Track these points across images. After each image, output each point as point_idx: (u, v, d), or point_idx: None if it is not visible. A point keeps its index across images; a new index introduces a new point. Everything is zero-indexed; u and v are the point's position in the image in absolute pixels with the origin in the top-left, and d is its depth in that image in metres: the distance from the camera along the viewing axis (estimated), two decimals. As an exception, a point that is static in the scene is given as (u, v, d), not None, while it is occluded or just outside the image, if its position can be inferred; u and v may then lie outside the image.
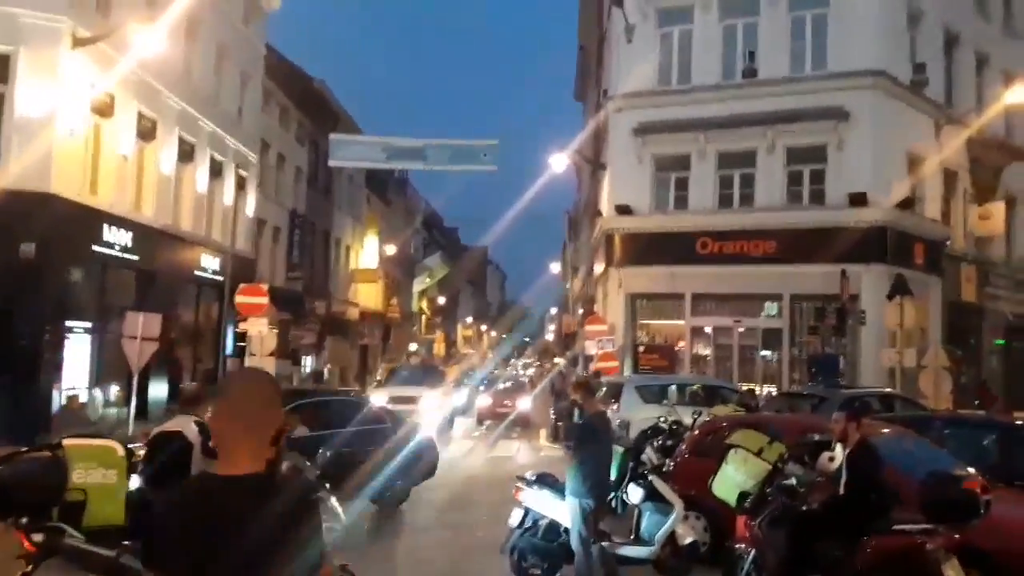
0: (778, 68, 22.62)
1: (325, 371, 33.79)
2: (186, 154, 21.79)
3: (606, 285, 25.49)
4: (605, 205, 25.40)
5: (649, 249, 23.25)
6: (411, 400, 20.78)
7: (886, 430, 7.97)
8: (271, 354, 19.01)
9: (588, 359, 24.37)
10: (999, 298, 25.76)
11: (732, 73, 23.27)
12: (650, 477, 7.29)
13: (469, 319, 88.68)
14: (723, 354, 23.14)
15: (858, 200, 21.16)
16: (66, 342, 16.72)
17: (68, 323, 16.88)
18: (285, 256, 30.72)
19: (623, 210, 23.81)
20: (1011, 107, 24.25)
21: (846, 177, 21.48)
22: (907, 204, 22.08)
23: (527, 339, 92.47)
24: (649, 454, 7.79)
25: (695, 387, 16.31)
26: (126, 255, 18.49)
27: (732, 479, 6.61)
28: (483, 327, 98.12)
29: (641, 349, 23.40)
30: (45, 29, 15.94)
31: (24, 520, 4.44)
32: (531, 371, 58.50)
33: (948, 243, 23.81)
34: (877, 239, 21.07)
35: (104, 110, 17.72)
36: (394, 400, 20.17)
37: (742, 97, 22.87)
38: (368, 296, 43.02)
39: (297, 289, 31.09)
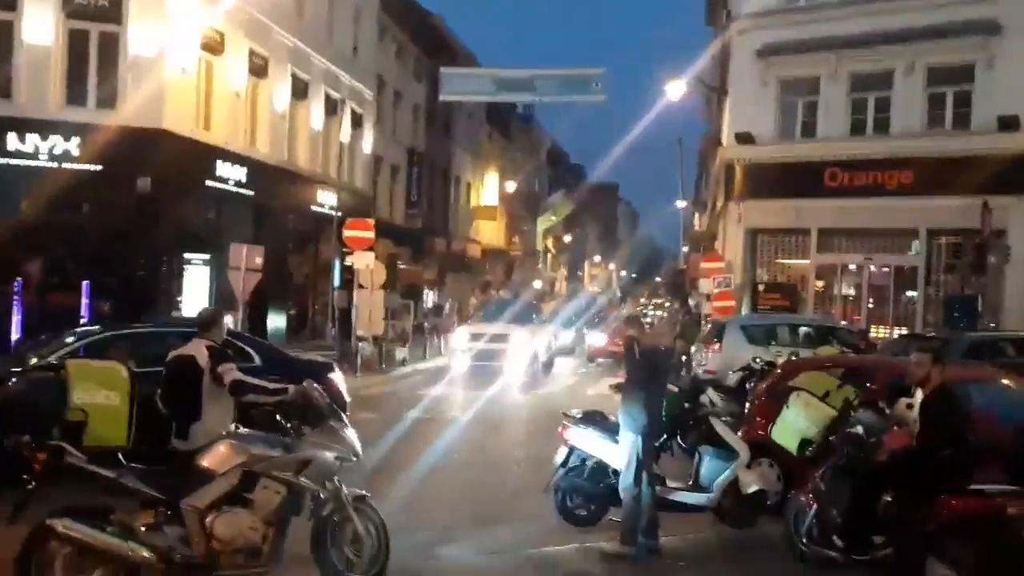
0: (920, -22, 20.40)
1: (446, 306, 34.22)
2: (300, 91, 22.12)
3: (726, 220, 24.29)
4: (725, 134, 24.03)
5: (772, 181, 21.84)
6: (498, 339, 18.98)
7: (986, 377, 7.02)
8: (382, 287, 19.31)
9: (706, 297, 23.43)
10: None
11: (868, -14, 21.22)
12: (711, 420, 6.72)
13: (597, 257, 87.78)
14: (850, 294, 21.66)
15: (1009, 124, 18.98)
16: (184, 274, 17.45)
17: (186, 255, 17.59)
18: (404, 194, 31.03)
19: (744, 138, 22.40)
20: None
21: (996, 99, 19.26)
22: (1068, 129, 19.63)
23: (659, 279, 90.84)
24: (711, 395, 7.15)
25: (806, 328, 15.20)
26: (241, 190, 19.06)
27: (793, 425, 5.98)
28: (611, 265, 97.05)
29: (761, 288, 22.20)
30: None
31: (26, 438, 4.47)
32: (657, 311, 57.42)
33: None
34: (1029, 168, 18.87)
35: (214, 47, 18.14)
36: (475, 337, 19.14)
37: (878, 12, 20.85)
38: (489, 233, 43.13)
39: (416, 226, 31.43)
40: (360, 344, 18.39)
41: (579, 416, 6.77)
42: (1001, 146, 18.97)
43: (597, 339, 25.51)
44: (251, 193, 19.38)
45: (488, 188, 42.86)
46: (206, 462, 4.97)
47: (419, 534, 6.54)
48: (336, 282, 18.74)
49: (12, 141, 15.70)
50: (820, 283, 21.93)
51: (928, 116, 20.39)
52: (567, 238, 66.73)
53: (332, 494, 5.19)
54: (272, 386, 5.27)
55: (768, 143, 22.14)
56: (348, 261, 18.60)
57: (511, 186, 44.24)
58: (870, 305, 21.38)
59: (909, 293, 20.94)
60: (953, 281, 19.83)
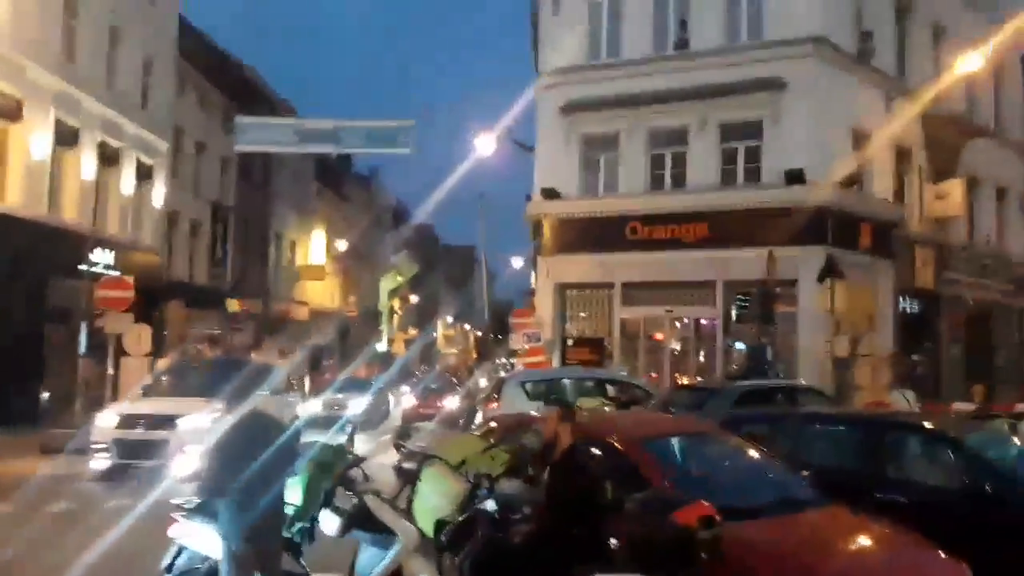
0: (712, 38, 20.90)
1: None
2: (67, 138, 20.12)
3: (537, 275, 23.80)
4: (535, 189, 23.69)
5: (578, 236, 21.59)
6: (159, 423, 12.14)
7: (695, 430, 6.24)
8: (147, 354, 17.37)
9: (512, 354, 22.70)
10: (959, 283, 23.98)
11: (664, 45, 21.60)
12: (365, 499, 5.48)
13: (450, 318, 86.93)
14: (654, 346, 21.44)
15: (795, 178, 19.41)
16: None
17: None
18: (208, 252, 29.02)
19: (550, 194, 22.12)
20: (972, 79, 22.63)
21: (783, 154, 19.74)
22: (851, 182, 20.37)
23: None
24: (358, 471, 5.85)
25: (588, 382, 14.54)
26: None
27: (426, 501, 4.92)
28: (467, 326, 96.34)
29: (570, 343, 21.67)
30: None
31: None
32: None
33: (900, 225, 22.02)
34: (816, 220, 19.28)
35: (11, 115, 16.12)
36: (127, 423, 12.26)
37: (674, 70, 21.18)
38: (320, 294, 41.34)
39: (222, 287, 29.40)
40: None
41: (196, 503, 5.35)
42: (789, 199, 19.34)
43: (409, 401, 24.21)
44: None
45: (316, 247, 41.19)
46: None
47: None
48: (82, 349, 16.63)
49: None
50: (626, 337, 21.60)
51: (722, 171, 20.67)
52: (414, 298, 65.49)
53: None
54: None
55: (573, 198, 21.93)
56: (98, 324, 16.59)
57: (343, 245, 42.73)
58: (676, 356, 21.23)
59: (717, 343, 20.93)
60: (746, 331, 19.88)
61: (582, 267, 21.52)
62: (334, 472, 5.42)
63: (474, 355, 68.46)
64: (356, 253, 47.58)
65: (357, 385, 22.76)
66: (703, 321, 21.03)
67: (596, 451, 5.39)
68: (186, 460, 10.71)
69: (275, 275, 35.74)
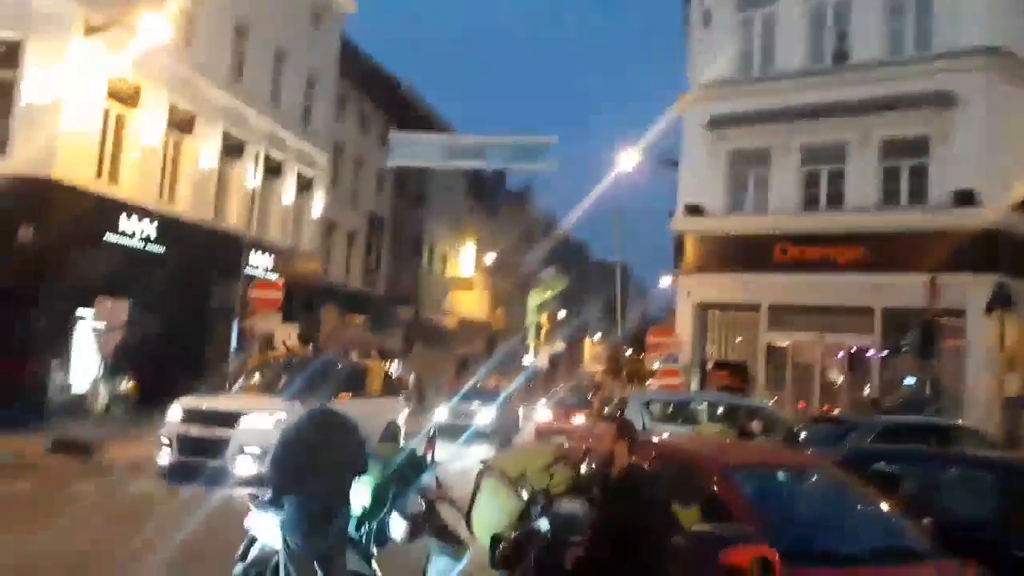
0: (873, 50, 19.63)
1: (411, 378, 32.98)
2: (234, 150, 21.51)
3: (678, 294, 23.11)
4: (678, 206, 23.08)
5: (722, 254, 20.83)
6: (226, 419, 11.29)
7: (755, 457, 5.71)
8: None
9: (650, 374, 22.11)
10: None
11: (820, 57, 20.51)
12: (436, 506, 5.35)
13: (598, 335, 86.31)
14: (803, 374, 20.25)
15: (964, 198, 17.86)
16: (74, 330, 16.46)
17: (79, 311, 16.61)
18: (362, 260, 30.21)
19: (693, 210, 21.46)
20: None
21: (952, 173, 18.19)
22: (1028, 204, 18.47)
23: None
24: (431, 477, 5.70)
25: (719, 408, 13.83)
26: (150, 246, 18.22)
27: (484, 514, 4.73)
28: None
29: (710, 366, 20.86)
30: (54, 15, 15.87)
31: None
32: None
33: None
34: (986, 245, 17.64)
35: (126, 99, 17.58)
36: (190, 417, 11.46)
37: (832, 84, 20.01)
38: (469, 305, 42.11)
39: (376, 293, 30.49)
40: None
41: (268, 497, 5.39)
42: (957, 221, 17.82)
43: (544, 415, 24.03)
44: (160, 249, 18.52)
45: (466, 259, 42.04)
46: None
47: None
48: (233, 345, 17.71)
49: None
50: (772, 362, 20.54)
51: (883, 190, 19.31)
52: (561, 314, 65.53)
53: None
54: None
55: (718, 215, 21.16)
56: (248, 323, 17.55)
57: (489, 258, 43.38)
58: (828, 385, 19.97)
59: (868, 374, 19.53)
60: (906, 363, 18.38)
61: (725, 287, 20.69)
62: (405, 476, 5.34)
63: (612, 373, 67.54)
64: (505, 267, 48.18)
65: (485, 395, 22.53)
66: (858, 349, 19.65)
67: (673, 476, 5.04)
68: (246, 460, 10.58)
69: (426, 284, 36.73)
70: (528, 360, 58.20)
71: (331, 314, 26.60)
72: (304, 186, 25.53)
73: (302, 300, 25.21)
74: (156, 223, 18.34)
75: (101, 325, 13.67)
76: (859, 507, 5.22)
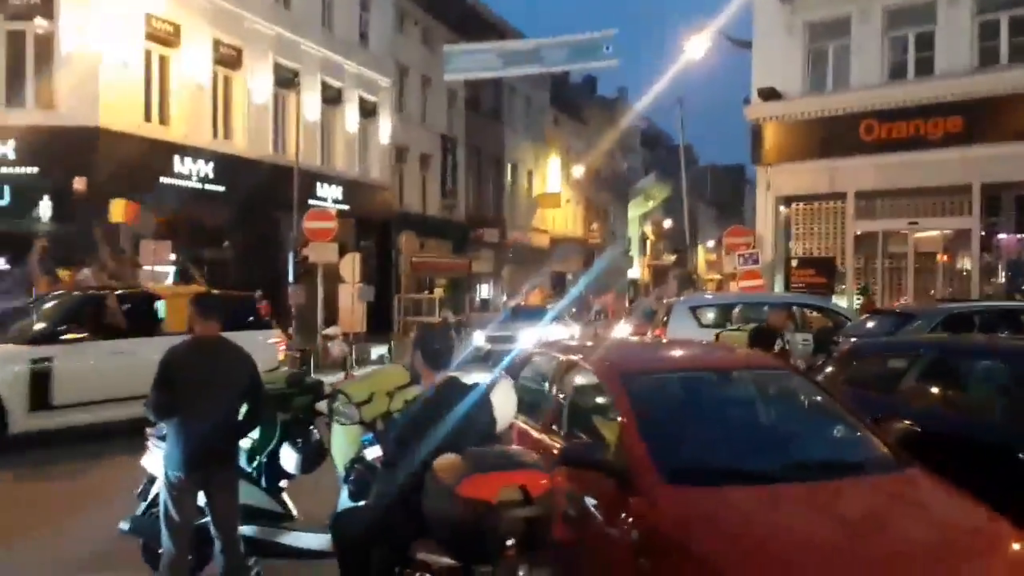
0: None
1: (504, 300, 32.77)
2: (287, 81, 21.31)
3: (756, 188, 21.63)
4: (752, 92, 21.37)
5: (802, 140, 19.25)
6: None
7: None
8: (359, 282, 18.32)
9: (731, 277, 20.91)
10: None
11: (903, -99, 18.15)
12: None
13: (711, 243, 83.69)
14: (895, 265, 18.64)
15: (1077, 50, 15.59)
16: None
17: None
18: (439, 184, 29.85)
19: (769, 94, 19.76)
20: None
21: (1063, 22, 15.89)
22: None
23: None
24: (324, 405, 5.05)
25: (774, 305, 12.71)
26: (208, 186, 18.43)
27: (336, 443, 4.28)
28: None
29: (794, 264, 19.51)
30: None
31: None
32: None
33: None
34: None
35: (167, 40, 17.58)
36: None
37: (916, -68, 17.75)
38: (561, 222, 41.32)
39: (456, 218, 30.21)
40: (329, 343, 17.35)
41: (162, 432, 5.00)
42: (1068, 78, 15.61)
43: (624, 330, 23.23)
44: (220, 188, 18.71)
45: (553, 175, 41.03)
46: None
47: None
48: (290, 277, 17.80)
49: (-49, 147, 15.63)
50: (861, 254, 19.00)
51: (979, 49, 17.14)
52: (667, 223, 63.62)
53: None
54: None
55: (796, 97, 19.43)
56: (305, 253, 17.56)
57: (579, 171, 42.15)
58: (915, 277, 18.32)
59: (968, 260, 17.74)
60: (1010, 245, 16.53)
61: (807, 176, 19.13)
62: (291, 404, 4.93)
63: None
64: (600, 178, 46.86)
65: (530, 315, 19.80)
66: (954, 232, 17.85)
67: (580, 384, 4.40)
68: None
69: (512, 204, 36.13)
70: (633, 273, 57.09)
71: (409, 242, 26.52)
72: (368, 112, 25.21)
73: (376, 230, 25.22)
74: (212, 162, 18.47)
75: (149, 268, 13.90)
76: (799, 417, 4.41)
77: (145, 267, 14.45)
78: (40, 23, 16.04)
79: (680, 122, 26.61)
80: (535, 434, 4.57)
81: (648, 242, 61.45)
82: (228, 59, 19.43)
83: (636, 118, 57.89)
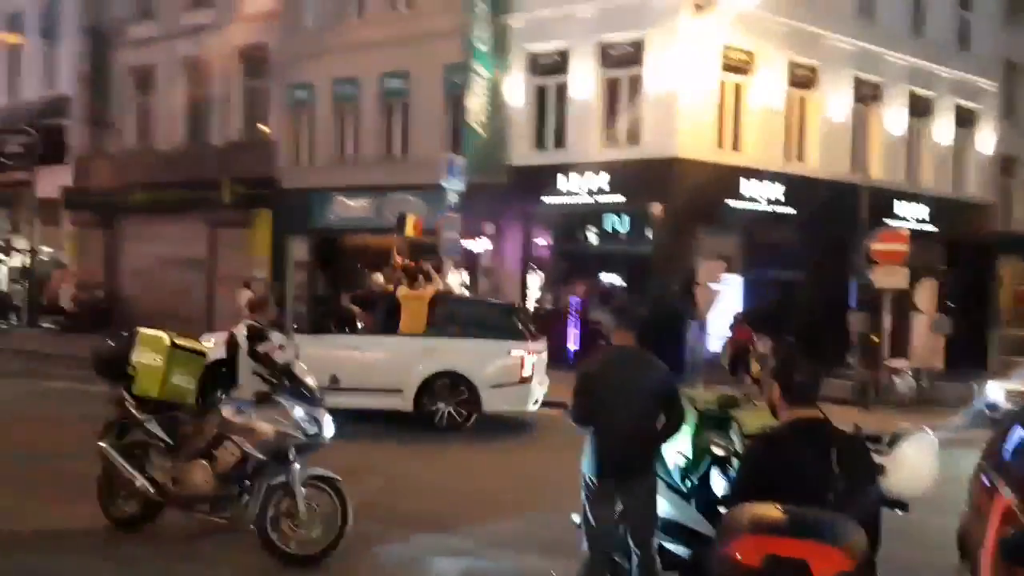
0: None
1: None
2: (865, 96, 20.32)
3: None
4: None
5: None
6: None
7: None
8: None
9: None
10: None
11: None
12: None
13: None
14: None
15: None
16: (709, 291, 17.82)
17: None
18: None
19: None
20: None
21: None
22: None
23: None
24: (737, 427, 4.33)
25: None
26: (777, 208, 18.61)
27: None
28: None
29: None
30: (668, 5, 17.41)
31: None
32: None
33: None
34: None
35: (742, 68, 18.32)
36: None
37: None
38: None
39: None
40: (894, 376, 16.02)
41: None
42: None
43: None
44: (790, 210, 18.69)
45: None
46: (205, 421, 5.92)
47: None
48: (852, 302, 16.47)
49: (563, 183, 18.58)
50: None
51: None
52: None
53: (280, 467, 5.55)
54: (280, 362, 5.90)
55: None
56: (872, 277, 16.33)
57: None
58: None
59: None
60: None
61: None
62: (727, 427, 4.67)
63: None
64: None
65: None
66: None
67: None
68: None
69: None
70: None
71: (1011, 268, 22.83)
72: (965, 121, 22.49)
73: (970, 253, 22.34)
74: (781, 184, 18.57)
75: (713, 285, 14.57)
76: None
77: (710, 284, 15.24)
78: (630, 70, 18.11)
79: None
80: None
81: None
82: (803, 80, 19.31)
83: None
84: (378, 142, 21.96)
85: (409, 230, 14.71)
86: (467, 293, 20.69)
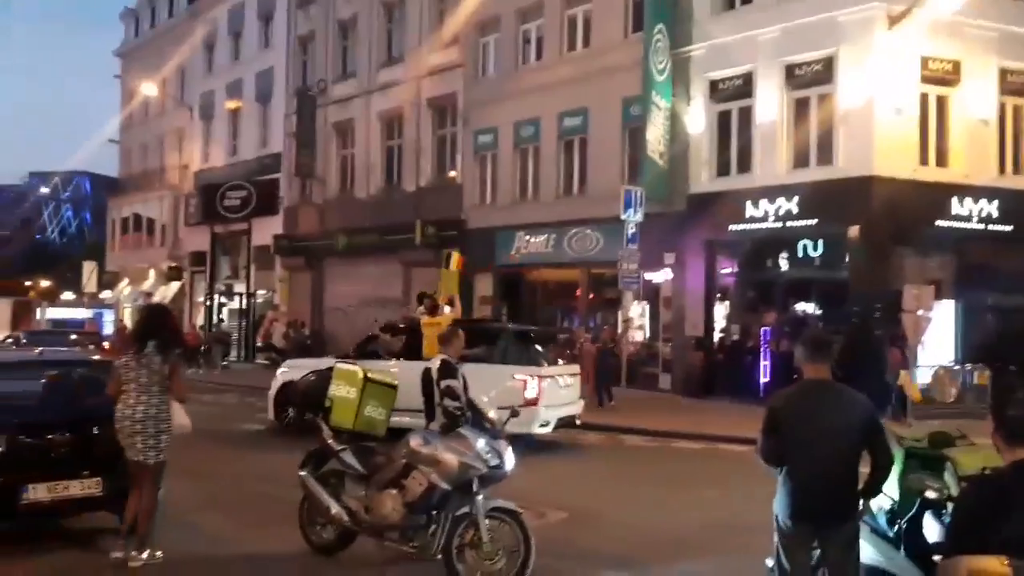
0: None
1: None
2: (1015, 87, 18.13)
3: None
4: None
5: None
6: None
7: None
8: None
9: None
10: None
11: None
12: None
13: None
14: None
15: None
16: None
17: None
18: None
19: None
20: None
21: None
22: None
23: None
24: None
25: None
26: (991, 226, 17.03)
27: None
28: None
29: None
30: (861, 20, 16.52)
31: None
32: None
33: None
34: None
35: (946, 79, 17.03)
36: None
37: None
38: None
39: None
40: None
41: None
42: None
43: None
44: (1008, 229, 17.02)
45: None
46: (394, 451, 6.12)
47: None
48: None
49: (749, 209, 17.93)
50: None
51: None
52: None
53: (465, 498, 5.62)
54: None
55: None
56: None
57: None
58: None
59: None
60: None
61: None
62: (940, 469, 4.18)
63: None
64: None
65: None
66: None
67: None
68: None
69: None
70: None
71: None
72: None
73: None
74: (996, 200, 16.98)
75: (912, 311, 13.46)
76: None
77: (920, 312, 14.05)
78: (820, 88, 17.29)
79: None
80: None
81: None
82: (1018, 87, 17.64)
83: None
84: (557, 179, 22.43)
85: (453, 266, 16.36)
86: (646, 324, 20.54)
